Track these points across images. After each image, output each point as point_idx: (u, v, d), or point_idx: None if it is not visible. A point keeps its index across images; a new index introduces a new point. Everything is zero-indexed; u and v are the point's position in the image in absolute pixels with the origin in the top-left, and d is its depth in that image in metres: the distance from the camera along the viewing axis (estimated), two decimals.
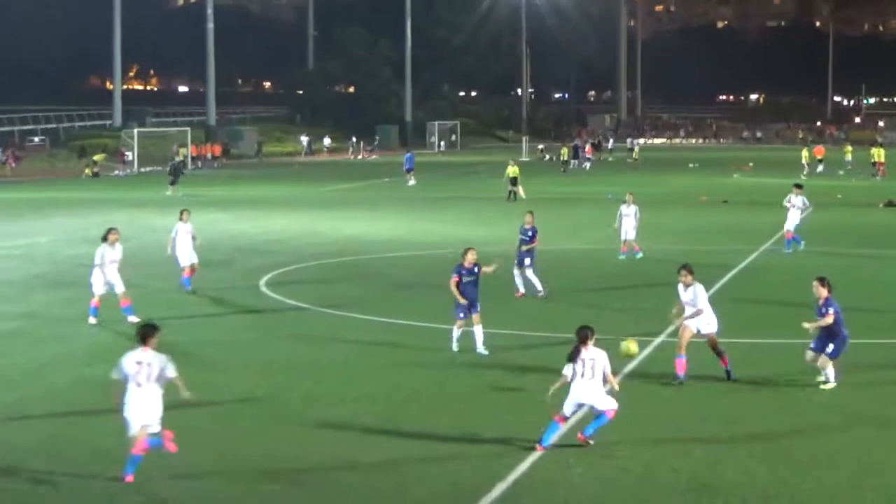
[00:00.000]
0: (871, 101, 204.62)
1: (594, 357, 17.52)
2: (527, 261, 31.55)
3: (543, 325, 27.42)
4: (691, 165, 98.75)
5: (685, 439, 17.78)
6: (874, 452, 17.29)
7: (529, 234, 31.68)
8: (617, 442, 17.67)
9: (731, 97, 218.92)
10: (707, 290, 31.81)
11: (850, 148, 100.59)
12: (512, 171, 65.79)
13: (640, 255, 38.86)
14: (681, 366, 21.42)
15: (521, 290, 31.57)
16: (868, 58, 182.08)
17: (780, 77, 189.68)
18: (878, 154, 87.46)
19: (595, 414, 17.51)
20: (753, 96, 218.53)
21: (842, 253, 41.20)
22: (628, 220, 39.09)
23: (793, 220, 41.28)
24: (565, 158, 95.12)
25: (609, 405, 17.43)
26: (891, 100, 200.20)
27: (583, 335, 17.68)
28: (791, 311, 28.99)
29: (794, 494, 15.38)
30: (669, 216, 52.75)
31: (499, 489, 15.58)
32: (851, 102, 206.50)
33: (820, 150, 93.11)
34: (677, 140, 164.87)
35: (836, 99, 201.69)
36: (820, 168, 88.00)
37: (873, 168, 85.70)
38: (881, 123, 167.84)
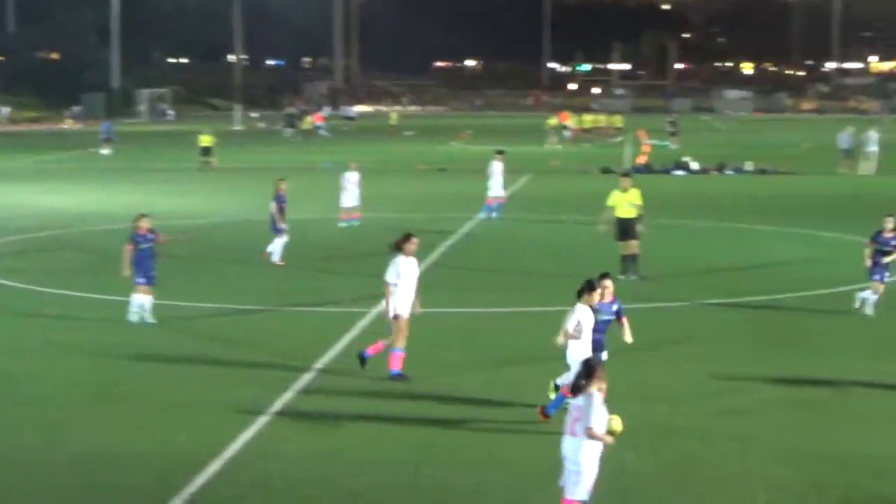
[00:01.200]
0: (587, 68, 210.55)
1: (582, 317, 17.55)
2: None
3: (257, 295, 27.37)
4: (408, 133, 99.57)
5: (415, 416, 17.86)
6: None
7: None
8: (336, 416, 17.69)
9: (449, 64, 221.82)
10: (426, 257, 32.56)
11: (569, 114, 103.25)
12: (205, 140, 64.71)
13: (358, 222, 39.30)
14: (397, 360, 19.84)
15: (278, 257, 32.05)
16: (584, 25, 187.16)
17: (497, 43, 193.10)
18: (585, 121, 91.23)
19: None
20: (471, 63, 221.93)
21: (557, 220, 42.22)
22: (352, 188, 39.54)
23: (497, 186, 42.20)
24: (309, 127, 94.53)
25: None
26: (605, 67, 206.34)
27: (590, 286, 17.74)
28: (506, 277, 29.78)
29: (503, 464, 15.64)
30: (388, 185, 53.07)
31: (215, 465, 15.40)
32: (567, 69, 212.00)
33: (565, 116, 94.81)
34: (398, 107, 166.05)
35: (552, 66, 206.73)
36: (567, 134, 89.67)
37: (585, 134, 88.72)
38: (596, 90, 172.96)
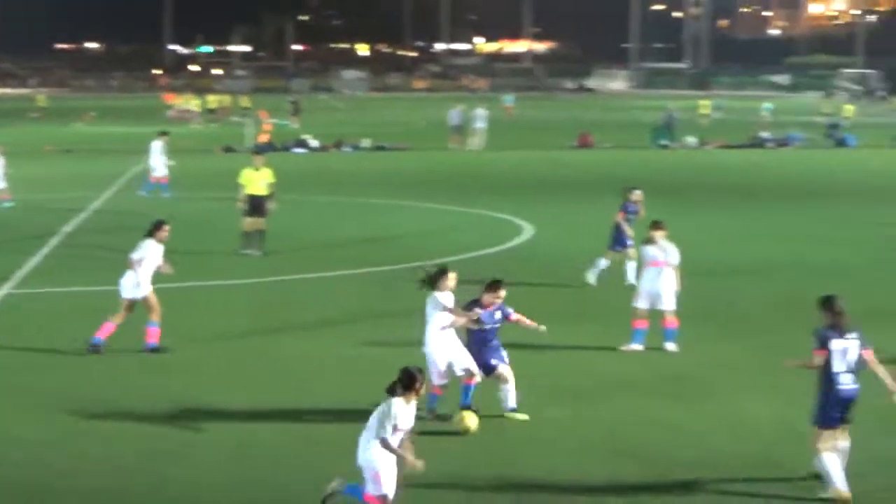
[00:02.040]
0: (209, 49, 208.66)
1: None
2: None
3: None
4: (33, 115, 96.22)
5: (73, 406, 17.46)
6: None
7: None
8: None
9: (71, 46, 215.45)
10: (58, 232, 31.80)
11: (192, 96, 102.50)
12: None
13: (10, 204, 38.14)
14: (107, 330, 19.65)
15: None
16: (204, 7, 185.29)
17: (118, 25, 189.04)
18: (210, 101, 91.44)
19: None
20: (92, 45, 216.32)
21: (189, 197, 41.79)
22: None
23: (158, 164, 41.76)
24: None
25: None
26: (225, 48, 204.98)
27: (441, 271, 16.38)
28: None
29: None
30: (16, 166, 51.22)
31: None
32: (189, 51, 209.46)
33: (170, 97, 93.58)
34: (25, 90, 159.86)
35: (174, 48, 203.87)
36: (172, 114, 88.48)
37: (210, 115, 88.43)
38: (218, 71, 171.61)
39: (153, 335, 19.69)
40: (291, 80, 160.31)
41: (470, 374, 16.16)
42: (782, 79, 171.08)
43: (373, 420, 12.37)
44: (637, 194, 26.28)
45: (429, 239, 32.74)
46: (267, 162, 30.82)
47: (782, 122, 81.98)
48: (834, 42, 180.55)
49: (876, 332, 21.43)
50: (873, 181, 49.42)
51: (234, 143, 63.26)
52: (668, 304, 20.14)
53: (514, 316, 16.66)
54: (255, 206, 29.67)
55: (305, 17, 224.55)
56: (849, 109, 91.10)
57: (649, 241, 20.43)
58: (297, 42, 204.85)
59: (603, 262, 25.79)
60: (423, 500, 13.18)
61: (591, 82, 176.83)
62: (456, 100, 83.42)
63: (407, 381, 12.41)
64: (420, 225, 35.50)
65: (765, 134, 70.41)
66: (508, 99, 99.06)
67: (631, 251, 25.23)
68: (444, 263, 17.06)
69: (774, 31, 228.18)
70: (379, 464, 12.19)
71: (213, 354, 19.82)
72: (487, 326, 16.34)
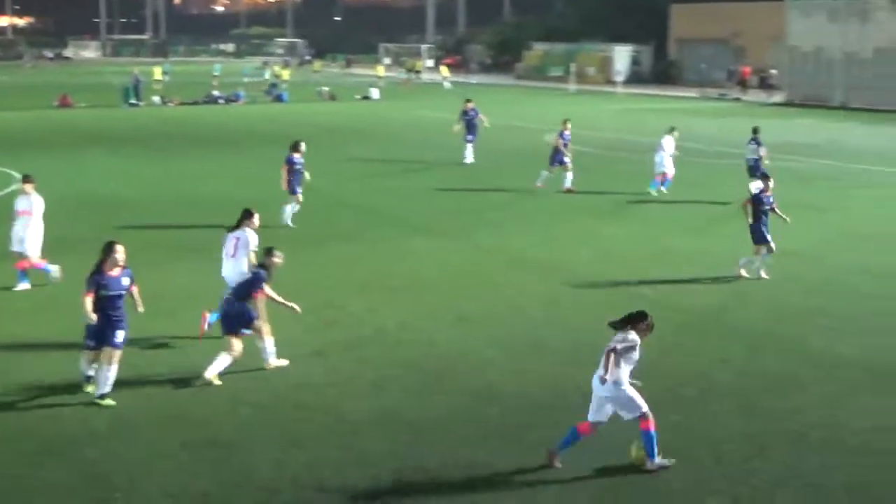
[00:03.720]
0: None
1: (238, 236, 16.56)
2: None
3: None
4: None
5: None
6: None
7: None
8: None
9: None
10: None
11: None
12: None
13: None
14: None
15: None
16: None
17: None
18: None
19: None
20: None
21: None
22: None
23: None
24: None
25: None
26: None
27: (249, 212, 16.84)
28: None
29: None
30: None
31: None
32: None
33: None
34: None
35: None
36: None
37: None
38: None
39: None
40: None
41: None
42: (228, 47, 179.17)
43: (608, 351, 11.89)
44: (302, 146, 26.64)
45: None
46: None
47: (230, 82, 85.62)
48: (269, 16, 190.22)
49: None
50: (304, 129, 50.84)
51: None
52: (30, 249, 19.89)
53: (134, 288, 14.45)
54: None
55: None
56: (286, 73, 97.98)
57: (21, 191, 20.33)
58: None
59: (294, 205, 26.47)
60: None
61: (67, 52, 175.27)
62: None
63: (639, 318, 12.04)
64: None
65: (216, 92, 74.85)
66: None
67: (299, 196, 26.30)
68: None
69: (220, 8, 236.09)
70: (627, 388, 11.86)
71: None
72: (113, 293, 13.97)
